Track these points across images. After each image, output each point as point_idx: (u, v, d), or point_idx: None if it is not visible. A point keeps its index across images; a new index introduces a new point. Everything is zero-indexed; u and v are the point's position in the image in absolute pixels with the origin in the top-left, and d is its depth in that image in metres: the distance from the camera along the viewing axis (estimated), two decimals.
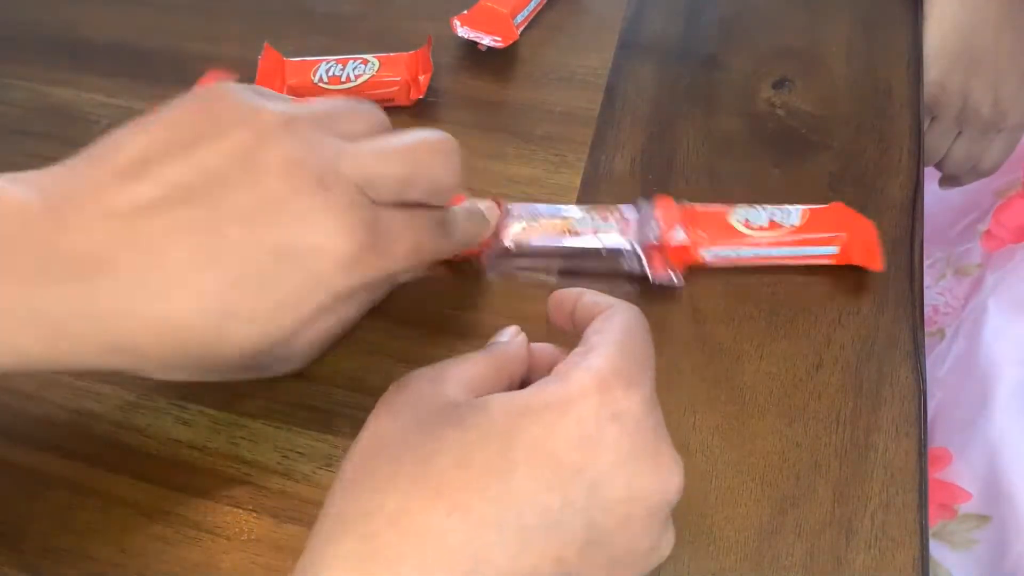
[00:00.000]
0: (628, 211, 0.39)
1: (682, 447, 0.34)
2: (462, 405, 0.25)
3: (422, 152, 0.30)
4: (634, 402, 0.24)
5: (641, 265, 0.37)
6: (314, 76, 0.45)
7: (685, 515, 0.33)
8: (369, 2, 0.51)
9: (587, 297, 0.30)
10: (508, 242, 0.38)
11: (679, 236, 0.37)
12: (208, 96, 0.28)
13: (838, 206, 0.39)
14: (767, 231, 0.37)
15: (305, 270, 0.27)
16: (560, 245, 0.38)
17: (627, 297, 0.35)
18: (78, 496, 0.34)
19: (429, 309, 0.39)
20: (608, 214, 0.39)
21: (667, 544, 0.27)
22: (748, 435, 0.35)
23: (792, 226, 0.38)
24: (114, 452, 0.35)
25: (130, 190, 0.26)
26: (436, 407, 0.25)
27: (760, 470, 0.34)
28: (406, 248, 0.29)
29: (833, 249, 0.38)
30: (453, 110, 0.47)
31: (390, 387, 0.28)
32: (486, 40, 0.48)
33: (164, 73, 0.49)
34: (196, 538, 0.33)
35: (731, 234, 0.37)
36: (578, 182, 0.43)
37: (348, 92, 0.44)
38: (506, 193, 0.43)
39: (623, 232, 0.38)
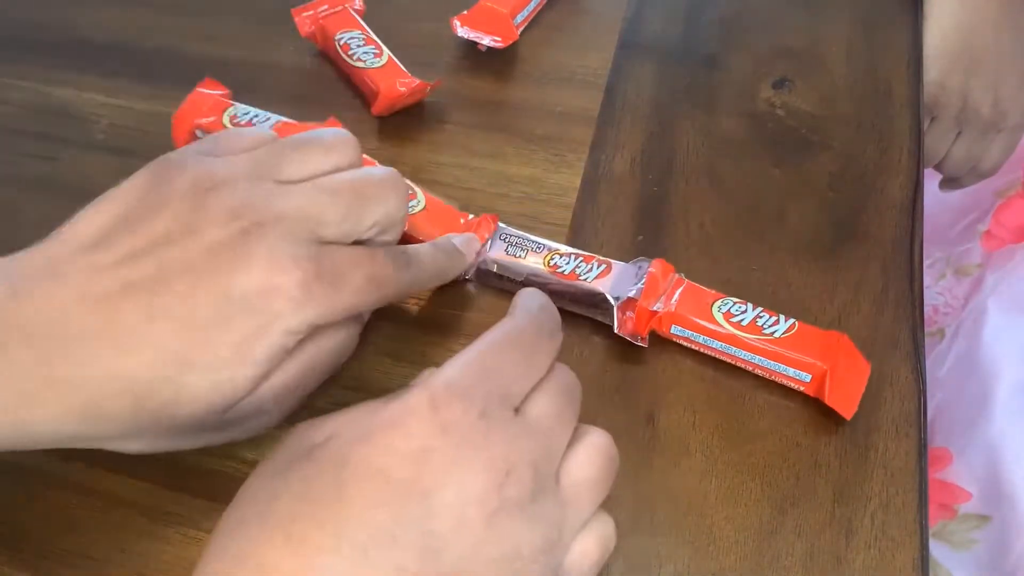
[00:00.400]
0: (618, 264, 0.38)
1: (682, 447, 0.34)
2: (316, 443, 0.25)
3: (366, 187, 0.31)
4: (466, 413, 0.25)
5: (611, 315, 0.37)
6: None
7: (685, 515, 0.33)
8: (369, 2, 0.51)
9: (514, 300, 0.31)
10: (489, 261, 0.39)
11: (656, 304, 0.36)
12: (156, 167, 0.30)
13: (840, 337, 0.35)
14: (743, 331, 0.35)
15: (255, 310, 0.27)
16: (536, 275, 0.38)
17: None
18: (78, 496, 0.34)
19: (429, 309, 0.39)
20: (593, 259, 0.38)
21: (534, 547, 0.25)
22: (748, 435, 0.35)
23: (772, 336, 0.35)
24: (114, 452, 0.35)
25: (84, 261, 0.28)
26: (296, 452, 0.25)
27: (760, 470, 0.34)
28: (360, 280, 0.29)
29: (805, 376, 0.35)
30: (453, 110, 0.47)
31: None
32: (486, 40, 0.48)
33: (164, 73, 0.49)
34: (196, 538, 0.33)
35: (706, 321, 0.35)
36: (578, 182, 0.43)
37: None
38: (506, 193, 0.43)
39: (601, 278, 0.37)
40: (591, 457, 0.27)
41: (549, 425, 0.27)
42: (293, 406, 0.31)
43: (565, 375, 0.29)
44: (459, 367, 0.26)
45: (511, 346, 0.28)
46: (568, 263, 0.38)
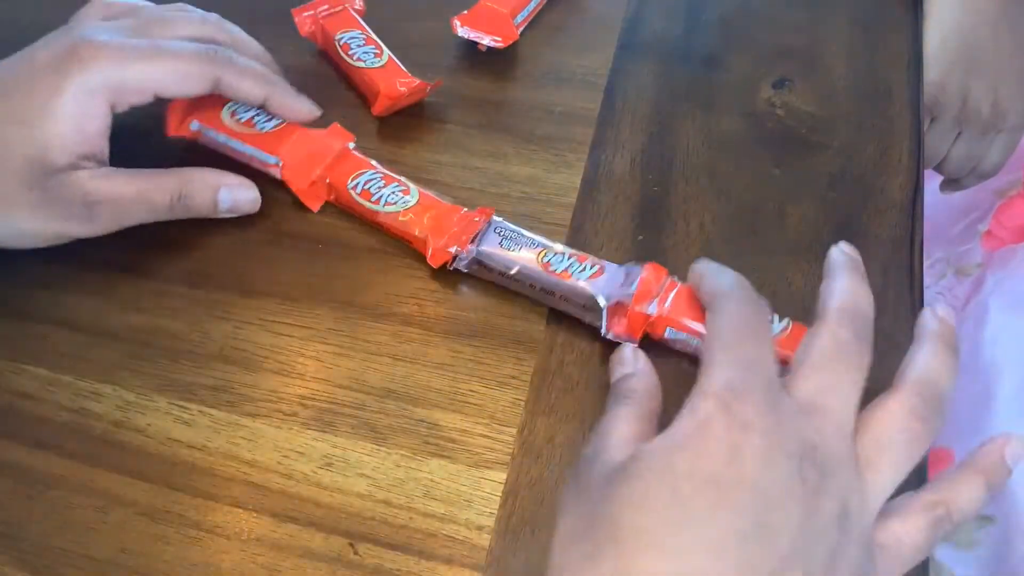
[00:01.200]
0: (611, 266, 0.37)
1: None
2: (619, 465, 0.28)
3: None
4: (756, 408, 0.27)
5: (600, 317, 0.36)
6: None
7: None
8: (369, 2, 0.51)
9: (704, 283, 0.33)
10: (477, 252, 0.38)
11: (651, 308, 0.35)
12: None
13: None
14: None
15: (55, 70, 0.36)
16: (527, 272, 0.37)
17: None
18: (78, 496, 0.34)
19: (430, 311, 0.39)
20: (587, 260, 0.38)
21: (832, 515, 0.26)
22: None
23: None
24: (114, 452, 0.35)
25: None
26: (604, 478, 0.28)
27: None
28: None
29: None
30: (453, 110, 0.47)
31: (567, 481, 0.32)
32: (486, 40, 0.48)
33: None
34: (196, 538, 0.33)
35: (700, 324, 0.35)
36: (578, 182, 0.43)
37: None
38: (506, 193, 0.43)
39: (592, 279, 0.37)
40: (884, 422, 0.28)
41: (823, 402, 0.28)
42: (120, 216, 0.38)
43: (832, 333, 0.29)
44: (725, 367, 0.28)
45: (745, 332, 0.29)
46: (561, 261, 0.38)
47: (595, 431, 0.31)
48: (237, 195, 0.40)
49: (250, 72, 0.40)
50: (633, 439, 0.30)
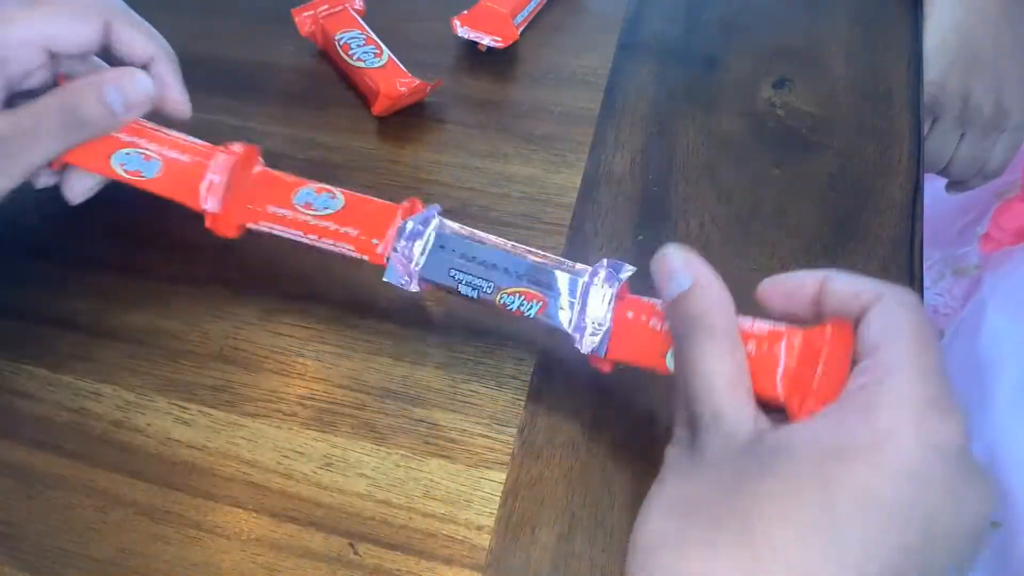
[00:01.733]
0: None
1: None
2: (760, 447, 0.24)
3: None
4: (954, 431, 0.23)
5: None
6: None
7: None
8: (369, 2, 0.51)
9: (838, 282, 0.27)
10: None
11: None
12: None
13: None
14: None
15: None
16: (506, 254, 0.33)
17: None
18: (78, 496, 0.34)
19: (430, 311, 0.39)
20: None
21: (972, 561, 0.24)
22: None
23: None
24: (114, 452, 0.35)
25: None
26: (731, 455, 0.24)
27: None
28: None
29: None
30: (453, 110, 0.47)
31: (675, 442, 0.28)
32: (486, 40, 0.48)
33: None
34: (196, 538, 0.33)
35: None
36: (578, 182, 0.43)
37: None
38: (506, 193, 0.43)
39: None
40: None
41: None
42: (12, 163, 0.34)
43: None
44: (917, 376, 0.24)
45: (930, 337, 0.25)
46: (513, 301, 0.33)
47: (686, 390, 0.26)
48: (126, 89, 0.35)
49: (146, 27, 0.37)
50: (739, 384, 0.25)
